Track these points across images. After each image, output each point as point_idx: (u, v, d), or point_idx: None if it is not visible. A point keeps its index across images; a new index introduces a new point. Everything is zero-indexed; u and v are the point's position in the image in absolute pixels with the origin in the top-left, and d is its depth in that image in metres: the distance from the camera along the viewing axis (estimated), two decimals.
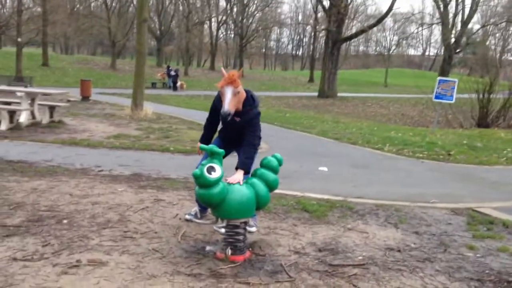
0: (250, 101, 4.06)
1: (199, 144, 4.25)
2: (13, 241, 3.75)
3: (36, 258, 3.46)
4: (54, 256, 3.52)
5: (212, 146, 3.69)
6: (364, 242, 4.28)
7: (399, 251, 4.11)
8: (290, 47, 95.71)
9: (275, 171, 3.90)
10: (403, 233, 4.62)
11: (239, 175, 3.81)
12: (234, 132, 4.20)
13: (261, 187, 3.75)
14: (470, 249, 4.28)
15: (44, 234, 3.93)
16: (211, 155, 3.59)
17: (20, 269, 3.26)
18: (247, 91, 4.08)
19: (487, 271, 3.75)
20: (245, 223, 3.74)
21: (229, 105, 3.87)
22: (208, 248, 3.82)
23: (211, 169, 3.45)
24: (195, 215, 4.54)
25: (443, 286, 3.42)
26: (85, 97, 19.27)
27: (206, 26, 62.75)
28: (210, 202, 3.56)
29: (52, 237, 3.88)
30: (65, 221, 4.28)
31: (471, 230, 4.87)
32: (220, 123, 4.28)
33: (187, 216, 4.55)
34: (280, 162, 3.96)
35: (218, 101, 4.12)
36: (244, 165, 3.94)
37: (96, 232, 4.06)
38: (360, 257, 3.89)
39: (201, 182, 3.45)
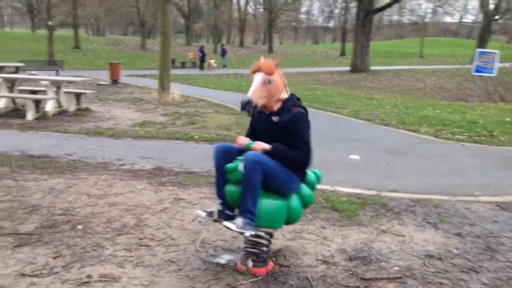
0: (293, 99, 3.28)
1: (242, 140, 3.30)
2: (24, 252, 3.56)
3: (46, 273, 3.25)
4: (65, 270, 3.30)
5: (252, 142, 3.24)
6: (400, 248, 3.89)
7: (440, 259, 3.70)
8: (320, 19, 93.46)
9: (311, 186, 3.59)
10: (444, 235, 4.19)
11: (265, 145, 3.16)
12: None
13: (294, 200, 3.40)
14: None
15: (57, 243, 3.73)
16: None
17: (27, 287, 3.05)
18: (291, 94, 3.34)
19: None
20: (271, 234, 3.41)
21: (253, 92, 3.10)
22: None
23: None
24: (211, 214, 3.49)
25: None
26: (115, 81, 19.29)
27: (234, 1, 61.86)
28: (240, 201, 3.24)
29: (64, 247, 3.67)
30: (79, 227, 4.07)
31: None
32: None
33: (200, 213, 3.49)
34: (318, 179, 3.68)
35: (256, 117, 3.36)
36: (276, 148, 3.14)
37: (111, 240, 3.83)
38: (396, 268, 3.51)
39: (235, 176, 3.18)
